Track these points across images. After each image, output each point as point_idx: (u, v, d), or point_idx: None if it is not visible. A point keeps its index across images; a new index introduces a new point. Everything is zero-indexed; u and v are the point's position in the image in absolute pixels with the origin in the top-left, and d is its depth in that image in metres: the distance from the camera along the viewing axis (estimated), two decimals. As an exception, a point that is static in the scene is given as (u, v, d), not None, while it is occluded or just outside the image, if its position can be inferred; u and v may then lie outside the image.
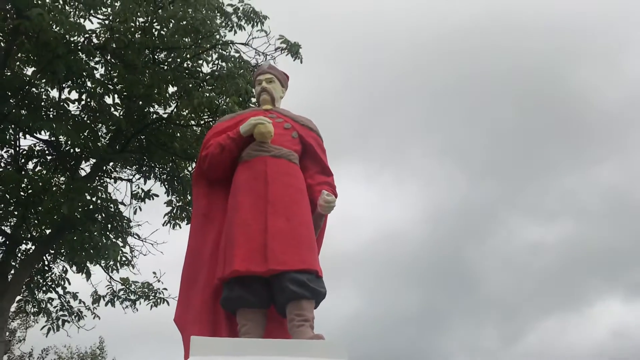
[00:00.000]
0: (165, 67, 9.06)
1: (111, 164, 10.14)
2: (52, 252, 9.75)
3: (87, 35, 8.49)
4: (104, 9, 8.74)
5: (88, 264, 9.35)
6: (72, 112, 9.15)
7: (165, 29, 8.70)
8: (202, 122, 9.77)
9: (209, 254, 3.45)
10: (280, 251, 3.19)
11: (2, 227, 9.38)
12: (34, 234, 9.58)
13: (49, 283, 10.17)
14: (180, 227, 10.46)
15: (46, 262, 10.03)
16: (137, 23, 8.69)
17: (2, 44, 8.11)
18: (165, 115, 9.80)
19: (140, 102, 9.35)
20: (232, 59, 9.24)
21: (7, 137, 9.12)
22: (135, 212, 10.31)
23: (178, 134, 9.86)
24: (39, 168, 9.65)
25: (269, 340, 2.94)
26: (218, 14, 8.94)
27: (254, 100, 8.38)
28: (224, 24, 9.00)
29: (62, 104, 8.86)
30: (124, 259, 9.53)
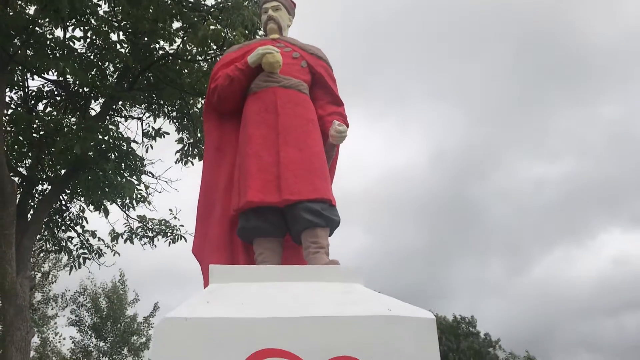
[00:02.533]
0: (169, 1, 8.85)
1: (120, 102, 10.11)
2: (69, 191, 9.91)
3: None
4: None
5: (105, 203, 9.51)
6: (78, 51, 9.06)
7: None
8: (208, 57, 9.65)
9: (224, 186, 3.48)
10: (294, 181, 3.20)
11: (18, 169, 9.50)
12: (50, 174, 9.71)
13: (68, 222, 10.39)
14: (192, 165, 10.55)
15: (63, 202, 10.22)
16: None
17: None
18: (171, 51, 9.67)
19: (146, 39, 9.21)
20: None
21: (16, 78, 9.09)
22: (147, 151, 10.38)
23: (185, 70, 9.76)
24: (49, 109, 9.67)
25: (285, 266, 3.01)
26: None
27: (260, 32, 8.22)
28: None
29: (67, 42, 8.75)
30: (139, 196, 9.66)
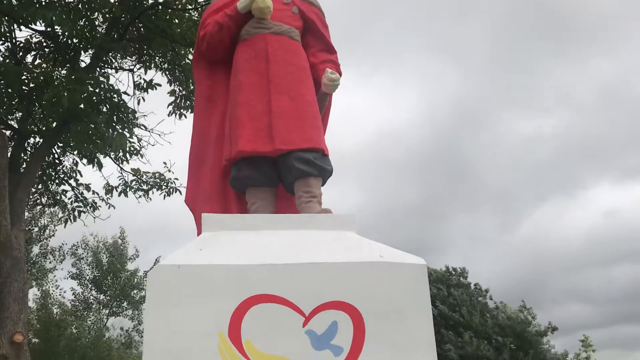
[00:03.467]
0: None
1: (110, 54, 9.93)
2: (61, 145, 9.84)
3: None
4: None
5: (98, 156, 9.47)
6: (66, 0, 8.83)
7: None
8: (199, 6, 9.43)
9: (215, 135, 3.45)
10: (286, 130, 3.17)
11: (9, 122, 9.40)
12: (41, 127, 9.62)
13: (61, 176, 10.36)
14: (185, 117, 10.46)
15: (56, 155, 10.16)
16: None
17: None
18: (161, 0, 9.44)
19: (135, -13, 8.97)
20: None
21: (2, 29, 8.88)
22: (139, 103, 10.27)
23: (176, 20, 9.56)
24: (38, 61, 9.49)
25: (278, 215, 3.01)
26: None
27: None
28: None
29: (53, -9, 8.50)
30: (132, 149, 9.61)
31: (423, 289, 2.57)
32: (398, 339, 2.54)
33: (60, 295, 20.69)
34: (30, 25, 8.92)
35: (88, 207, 10.58)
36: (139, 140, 10.13)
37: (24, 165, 8.93)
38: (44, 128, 9.57)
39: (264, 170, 3.22)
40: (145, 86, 10.28)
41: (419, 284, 2.56)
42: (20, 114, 9.43)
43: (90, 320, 20.34)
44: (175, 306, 2.38)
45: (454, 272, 15.12)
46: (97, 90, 8.38)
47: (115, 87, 9.18)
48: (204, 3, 9.17)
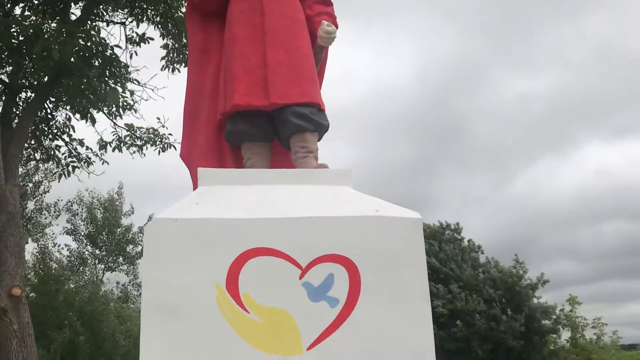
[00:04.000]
0: None
1: (101, 6, 9.71)
2: (53, 99, 9.72)
3: None
4: None
5: (91, 111, 9.37)
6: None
7: None
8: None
9: (210, 89, 3.40)
10: (282, 84, 3.13)
11: (0, 76, 9.26)
12: (32, 81, 9.47)
13: (55, 131, 10.28)
14: (179, 72, 10.32)
15: (49, 110, 10.05)
16: None
17: None
18: (152, -50, 9.18)
19: None
20: None
21: (-12, -21, 8.65)
22: (131, 57, 10.11)
23: (168, -29, 9.32)
24: (27, 13, 9.27)
25: (274, 170, 3.01)
26: None
27: None
28: None
29: (40, -60, 8.25)
30: (125, 104, 9.52)
31: (418, 242, 2.59)
32: (393, 291, 2.58)
33: (58, 251, 20.86)
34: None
35: (82, 163, 10.55)
36: (132, 95, 10.02)
37: (16, 121, 8.83)
38: (35, 82, 9.43)
39: (259, 124, 3.20)
40: (137, 40, 10.09)
41: (414, 238, 2.59)
42: (10, 67, 9.27)
43: (86, 276, 20.55)
44: (173, 259, 2.40)
45: (447, 228, 15.29)
46: (88, 44, 8.22)
47: (107, 41, 9.01)
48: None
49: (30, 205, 18.78)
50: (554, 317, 11.75)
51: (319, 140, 3.31)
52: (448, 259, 12.66)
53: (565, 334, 11.58)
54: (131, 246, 22.67)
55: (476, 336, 10.92)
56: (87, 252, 22.51)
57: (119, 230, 22.38)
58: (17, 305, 4.89)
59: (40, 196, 19.03)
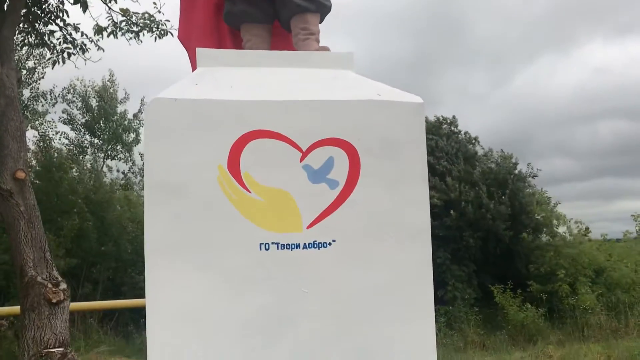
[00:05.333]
0: None
1: None
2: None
3: None
4: None
5: (84, -7, 9.02)
6: None
7: None
8: None
9: (207, -33, 3.25)
10: None
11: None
12: (20, -40, 9.00)
13: (48, 15, 9.95)
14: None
15: (39, -9, 9.66)
16: None
17: None
18: None
19: None
20: None
21: None
22: None
23: None
24: None
25: (275, 52, 2.94)
26: None
27: None
28: None
29: None
30: (119, -15, 9.12)
31: (419, 127, 2.60)
32: (392, 174, 2.62)
33: (58, 140, 20.93)
34: None
35: (77, 49, 10.30)
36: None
37: (7, 2, 8.50)
38: (23, -39, 8.97)
39: (259, 4, 3.09)
40: None
41: (415, 122, 2.59)
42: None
43: (89, 163, 20.77)
44: (174, 139, 2.41)
45: (444, 122, 15.23)
46: None
47: None
48: None
49: (26, 93, 18.59)
50: (543, 213, 12.04)
51: (320, 22, 3.22)
52: (445, 153, 12.75)
53: (551, 229, 11.93)
54: (128, 133, 22.72)
55: (467, 224, 11.25)
56: (86, 142, 22.60)
57: (115, 117, 22.30)
58: (22, 188, 4.97)
59: (34, 83, 18.79)
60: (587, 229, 11.47)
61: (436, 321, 2.82)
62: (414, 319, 2.64)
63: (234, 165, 2.50)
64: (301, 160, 2.56)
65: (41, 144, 17.54)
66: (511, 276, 10.48)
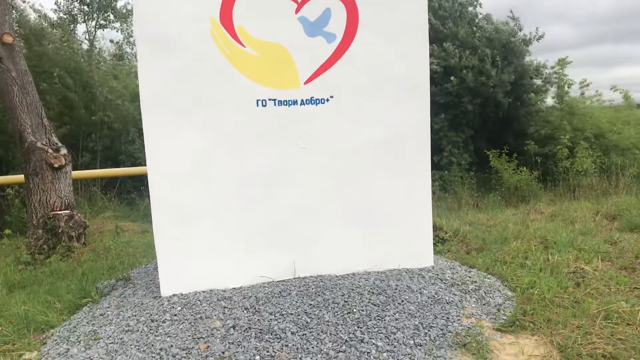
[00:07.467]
0: None
1: None
2: None
3: None
4: None
5: None
6: None
7: None
8: None
9: None
10: None
11: None
12: None
13: None
14: None
15: None
16: None
17: None
18: None
19: None
20: None
21: None
22: None
23: None
24: None
25: None
26: None
27: None
28: None
29: None
30: None
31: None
32: (391, 27, 2.53)
33: (41, 6, 20.02)
34: None
35: None
36: None
37: None
38: None
39: None
40: None
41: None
42: None
43: (79, 33, 20.07)
44: (163, -10, 2.30)
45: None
46: None
47: None
48: None
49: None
50: (544, 75, 11.77)
51: None
52: (447, 17, 12.21)
53: (553, 93, 11.72)
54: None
55: (467, 91, 11.08)
56: (75, 9, 21.65)
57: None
58: (11, 53, 4.83)
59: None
60: (583, 95, 11.28)
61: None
62: (412, 171, 2.68)
63: (226, 17, 2.39)
64: (297, 11, 2.45)
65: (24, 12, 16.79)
66: (508, 141, 10.51)
